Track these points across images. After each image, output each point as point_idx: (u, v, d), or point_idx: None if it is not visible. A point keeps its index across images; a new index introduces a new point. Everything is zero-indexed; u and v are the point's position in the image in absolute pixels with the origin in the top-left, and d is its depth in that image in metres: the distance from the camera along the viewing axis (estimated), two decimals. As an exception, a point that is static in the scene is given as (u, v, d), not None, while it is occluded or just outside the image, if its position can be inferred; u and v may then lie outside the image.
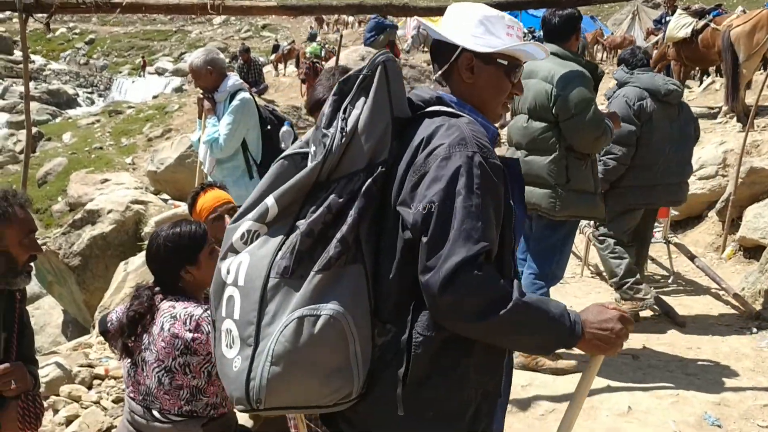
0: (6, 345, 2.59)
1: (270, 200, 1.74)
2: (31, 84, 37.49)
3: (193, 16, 51.97)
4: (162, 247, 2.67)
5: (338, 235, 1.66)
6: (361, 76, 1.77)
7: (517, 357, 4.54)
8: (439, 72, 2.00)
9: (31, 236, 2.55)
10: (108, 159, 20.45)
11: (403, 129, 1.82)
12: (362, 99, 1.76)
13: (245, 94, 4.92)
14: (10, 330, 2.61)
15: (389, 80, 1.78)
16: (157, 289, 2.71)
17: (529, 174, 4.23)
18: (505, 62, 1.96)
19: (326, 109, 1.80)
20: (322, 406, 1.72)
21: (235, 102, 4.86)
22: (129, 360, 2.68)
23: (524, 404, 4.17)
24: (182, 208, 7.19)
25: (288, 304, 1.66)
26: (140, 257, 6.43)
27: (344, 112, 1.75)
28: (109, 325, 2.85)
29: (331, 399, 1.70)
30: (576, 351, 4.66)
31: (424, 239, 1.65)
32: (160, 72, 39.97)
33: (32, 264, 2.58)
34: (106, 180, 17.59)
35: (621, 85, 5.50)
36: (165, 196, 8.50)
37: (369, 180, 1.70)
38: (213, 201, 3.29)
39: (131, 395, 2.69)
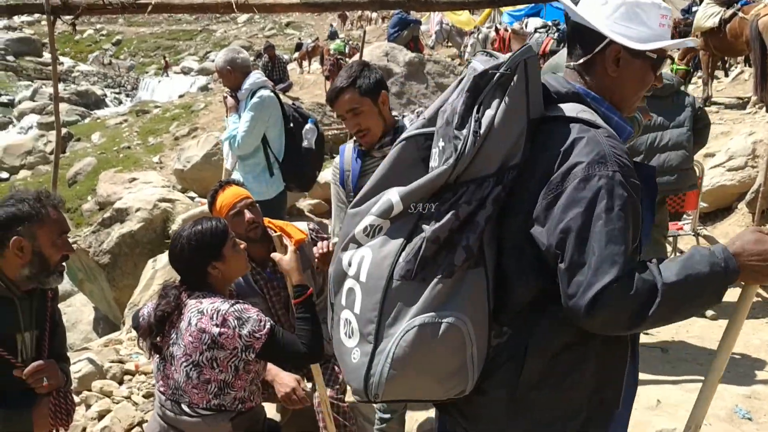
0: (38, 343, 2.65)
1: (395, 197, 1.74)
2: (60, 85, 38.03)
3: (218, 15, 52.31)
4: (186, 246, 2.70)
5: (464, 243, 1.66)
6: (498, 74, 1.69)
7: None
8: (580, 61, 1.87)
9: (63, 237, 2.60)
10: (136, 158, 20.67)
11: (536, 128, 1.74)
12: (497, 99, 1.68)
13: (264, 92, 4.96)
14: (42, 328, 2.66)
15: (528, 80, 1.69)
16: (183, 287, 2.74)
17: None
18: (654, 55, 1.84)
19: (458, 106, 1.72)
20: (435, 400, 1.81)
21: (253, 99, 4.92)
22: (158, 355, 2.72)
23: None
24: (206, 206, 7.27)
25: (409, 308, 1.67)
26: (166, 256, 6.51)
27: (477, 112, 1.68)
28: (141, 320, 2.90)
29: (444, 395, 1.74)
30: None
31: (562, 266, 1.61)
32: (185, 71, 40.30)
33: (64, 264, 2.63)
34: (134, 179, 17.79)
35: None
36: (192, 194, 8.56)
37: (499, 188, 1.67)
38: (232, 197, 3.33)
39: (161, 389, 2.73)
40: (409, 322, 1.66)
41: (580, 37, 1.87)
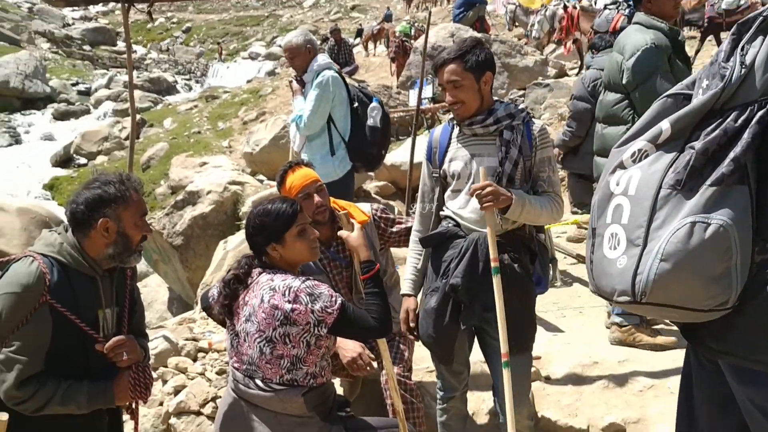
0: (118, 319, 2.76)
1: (665, 124, 1.90)
2: (134, 73, 39.09)
3: (284, 0, 52.75)
4: (251, 223, 2.79)
5: (732, 155, 1.77)
6: (761, 18, 1.81)
7: (614, 332, 4.46)
8: None
9: (143, 218, 2.70)
10: (206, 143, 21.14)
11: None
12: (760, 38, 1.80)
13: (329, 72, 5.04)
14: (122, 305, 2.77)
15: None
16: (255, 260, 2.82)
17: (605, 147, 4.29)
18: None
19: (725, 45, 1.87)
20: (698, 309, 1.84)
21: (317, 80, 5.00)
22: (232, 331, 2.80)
23: (622, 380, 4.09)
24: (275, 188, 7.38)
25: (678, 212, 1.81)
26: (238, 236, 6.65)
27: (742, 50, 1.81)
28: (210, 300, 2.99)
29: (707, 304, 1.82)
30: (676, 326, 4.53)
31: None
32: (253, 57, 40.85)
33: (142, 244, 2.73)
34: (205, 163, 18.16)
35: (588, 67, 6.43)
36: (261, 176, 8.72)
37: (762, 110, 1.77)
38: (302, 180, 3.39)
39: (235, 365, 2.81)
40: (680, 221, 1.78)
41: None
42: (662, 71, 4.02)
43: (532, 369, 4.17)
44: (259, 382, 2.72)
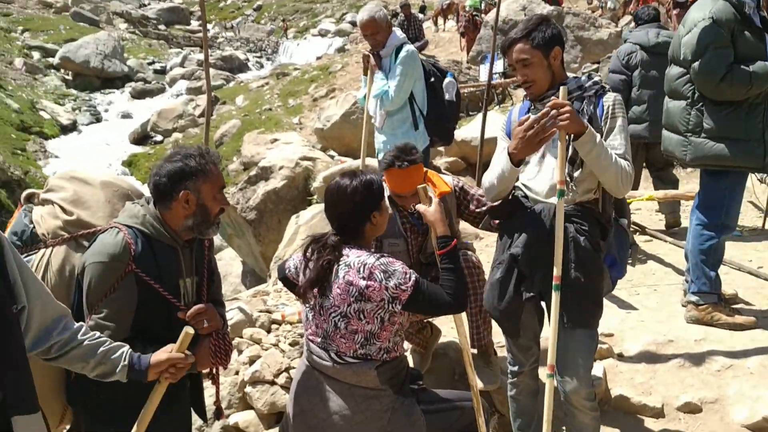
0: (198, 288, 2.85)
1: None
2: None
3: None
4: (358, 192, 2.79)
5: None
6: None
7: (690, 311, 4.37)
8: None
9: (222, 191, 2.78)
10: (277, 119, 21.41)
11: None
12: None
13: (410, 47, 5.08)
14: (201, 275, 2.87)
15: None
16: (338, 239, 2.83)
17: (667, 121, 4.39)
18: None
19: None
20: None
21: (402, 54, 5.03)
22: (309, 305, 2.85)
23: (698, 359, 4.01)
24: (348, 163, 7.43)
25: None
26: (310, 211, 6.73)
27: None
28: (287, 272, 3.05)
29: None
30: (756, 306, 4.39)
31: None
32: (322, 33, 40.99)
33: (220, 215, 2.80)
34: (276, 139, 18.44)
35: (626, 41, 6.48)
36: (332, 152, 8.79)
37: None
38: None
39: (310, 338, 2.87)
40: None
41: None
42: (718, 46, 3.94)
43: (605, 346, 4.14)
44: (333, 354, 2.78)
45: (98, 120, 30.97)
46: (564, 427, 3.53)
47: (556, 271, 2.91)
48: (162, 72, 37.17)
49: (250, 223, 7.85)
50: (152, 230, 2.67)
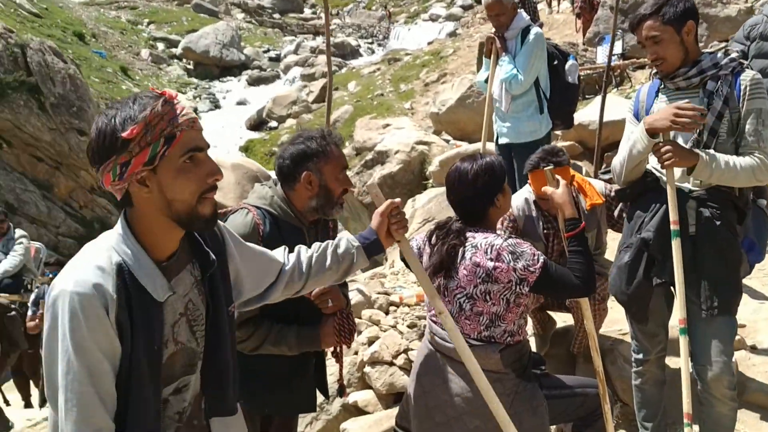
0: None
1: None
2: (319, 38, 40.56)
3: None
4: (480, 176, 2.77)
5: None
6: None
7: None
8: None
9: (344, 172, 2.82)
10: (388, 105, 21.59)
11: None
12: None
13: (538, 29, 5.00)
14: None
15: None
16: (462, 224, 2.82)
17: None
18: None
19: None
20: None
21: (530, 36, 4.95)
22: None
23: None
24: (464, 147, 7.39)
25: None
26: (426, 194, 6.75)
27: None
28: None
29: None
30: None
31: None
32: (433, 18, 40.86)
33: (343, 196, 2.85)
34: (388, 125, 18.63)
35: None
36: (446, 136, 8.78)
37: None
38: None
39: (433, 319, 2.88)
40: None
41: None
42: None
43: (736, 337, 3.95)
44: (457, 336, 2.78)
45: (217, 107, 32.24)
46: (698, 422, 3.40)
47: (673, 216, 2.84)
48: (276, 59, 38.18)
49: (366, 206, 7.95)
50: (279, 211, 2.73)
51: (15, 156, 19.35)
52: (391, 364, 4.33)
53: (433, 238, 2.85)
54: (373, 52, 38.00)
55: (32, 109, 19.09)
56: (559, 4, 25.41)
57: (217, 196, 2.94)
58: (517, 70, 4.97)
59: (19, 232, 7.47)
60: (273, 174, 2.94)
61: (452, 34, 31.50)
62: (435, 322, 2.87)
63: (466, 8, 37.62)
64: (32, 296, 7.13)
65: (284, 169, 2.75)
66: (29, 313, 7.04)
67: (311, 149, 2.70)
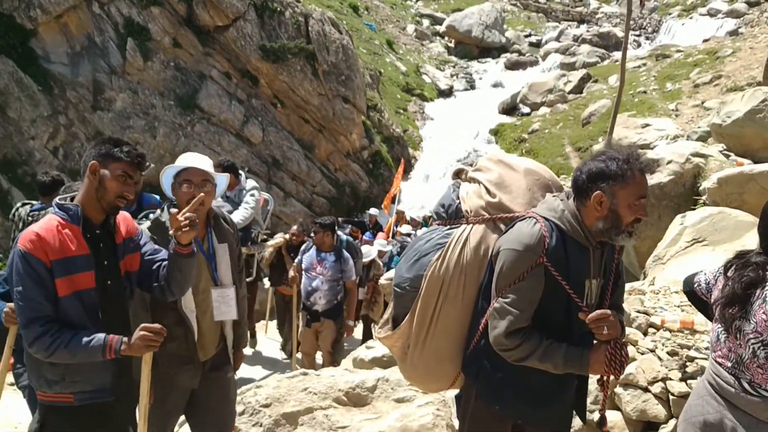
0: (602, 291, 2.82)
1: None
2: (583, 27, 39.33)
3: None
4: None
5: None
6: None
7: None
8: None
9: (642, 201, 2.64)
10: (651, 103, 20.47)
11: None
12: None
13: None
14: (607, 278, 2.82)
15: None
16: (764, 257, 2.60)
17: None
18: None
19: None
20: None
21: None
22: (722, 325, 2.66)
23: None
24: (747, 165, 6.77)
25: None
26: (699, 213, 6.27)
27: None
28: (695, 285, 2.87)
29: None
30: None
31: None
32: (712, 13, 37.75)
33: (635, 225, 2.68)
34: (647, 125, 17.67)
35: None
36: (727, 151, 8.13)
37: None
38: None
39: (718, 360, 2.68)
40: None
41: None
42: None
43: None
44: (745, 384, 2.56)
45: (472, 87, 32.64)
46: None
47: None
48: (537, 45, 37.67)
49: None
50: (568, 226, 2.67)
51: (286, 116, 21.11)
52: (646, 390, 4.11)
53: (731, 270, 2.64)
54: (639, 45, 36.03)
55: (306, 74, 20.67)
56: None
57: (506, 199, 2.93)
58: None
59: (250, 182, 7.27)
60: (565, 183, 2.89)
61: (733, 33, 28.90)
62: (720, 363, 2.67)
63: (751, 4, 34.26)
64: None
65: (579, 182, 2.69)
66: None
67: (610, 170, 2.60)
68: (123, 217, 3.22)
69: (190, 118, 19.56)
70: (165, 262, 3.17)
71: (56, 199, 3.03)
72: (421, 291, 3.02)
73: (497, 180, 3.04)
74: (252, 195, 7.11)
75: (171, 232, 3.05)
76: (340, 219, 18.40)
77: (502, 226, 2.89)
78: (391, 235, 15.19)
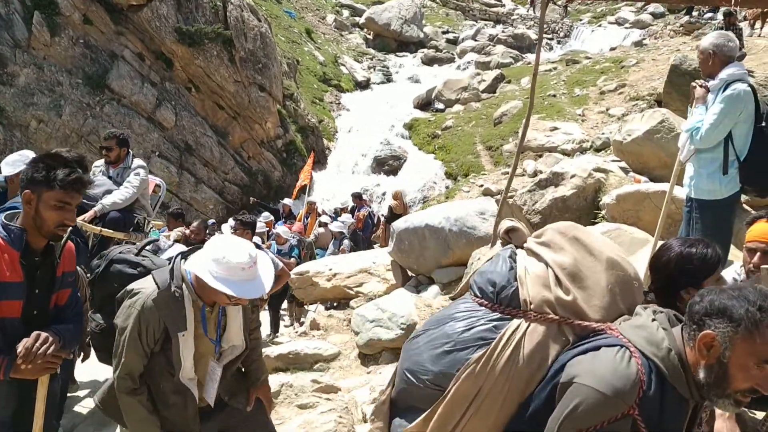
0: None
1: None
2: (499, 27, 40.17)
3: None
4: (672, 263, 2.67)
5: None
6: None
7: None
8: None
9: (766, 366, 1.97)
10: (559, 108, 21.14)
11: None
12: None
13: (740, 86, 4.71)
14: None
15: None
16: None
17: None
18: None
19: None
20: None
21: (726, 92, 4.73)
22: None
23: None
24: (644, 184, 7.19)
25: None
26: (597, 228, 6.61)
27: None
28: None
29: None
30: None
31: None
32: (620, 22, 39.34)
33: (747, 395, 2.04)
34: (555, 128, 18.30)
35: None
36: (625, 167, 8.58)
37: None
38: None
39: None
40: None
41: None
42: None
43: None
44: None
45: (389, 80, 32.88)
46: None
47: None
48: (453, 42, 38.25)
49: (534, 226, 7.95)
50: (671, 371, 2.06)
51: (200, 101, 20.77)
52: None
53: None
54: (551, 48, 37.17)
55: (223, 60, 20.39)
56: (762, 26, 23.71)
57: (580, 298, 2.32)
58: (701, 124, 4.78)
59: (137, 161, 6.72)
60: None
61: (638, 44, 30.22)
62: None
63: (656, 16, 35.88)
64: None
65: (693, 310, 2.08)
66: None
67: (736, 311, 1.97)
68: (70, 251, 3.09)
69: (99, 99, 18.98)
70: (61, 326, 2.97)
71: (2, 216, 2.87)
72: (448, 395, 2.34)
73: (572, 269, 2.38)
74: (137, 174, 6.55)
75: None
76: (252, 199, 18.35)
77: (570, 334, 2.27)
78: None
